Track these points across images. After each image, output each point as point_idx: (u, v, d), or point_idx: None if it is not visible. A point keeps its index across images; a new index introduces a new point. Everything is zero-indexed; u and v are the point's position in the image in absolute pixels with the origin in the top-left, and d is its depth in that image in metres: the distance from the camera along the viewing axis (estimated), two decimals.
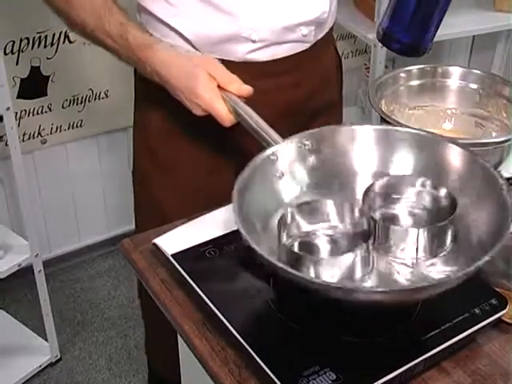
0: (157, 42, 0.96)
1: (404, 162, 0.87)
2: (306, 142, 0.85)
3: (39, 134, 1.87)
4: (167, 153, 1.08)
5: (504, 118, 1.07)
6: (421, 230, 0.76)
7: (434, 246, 0.76)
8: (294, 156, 0.85)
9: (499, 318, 0.76)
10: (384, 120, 1.01)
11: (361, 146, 0.87)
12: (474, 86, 1.10)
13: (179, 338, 0.87)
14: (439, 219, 0.78)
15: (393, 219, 0.82)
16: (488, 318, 0.75)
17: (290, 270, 0.67)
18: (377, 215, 0.80)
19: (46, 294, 1.69)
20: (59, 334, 1.83)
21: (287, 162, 0.84)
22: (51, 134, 1.88)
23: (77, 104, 1.88)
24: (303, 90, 1.08)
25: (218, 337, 0.76)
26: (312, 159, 0.86)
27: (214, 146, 1.06)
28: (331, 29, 1.12)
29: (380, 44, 0.99)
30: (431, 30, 0.94)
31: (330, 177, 0.85)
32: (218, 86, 0.91)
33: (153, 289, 0.83)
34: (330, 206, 0.80)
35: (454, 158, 0.83)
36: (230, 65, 0.95)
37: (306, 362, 0.69)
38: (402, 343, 0.71)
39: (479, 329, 0.75)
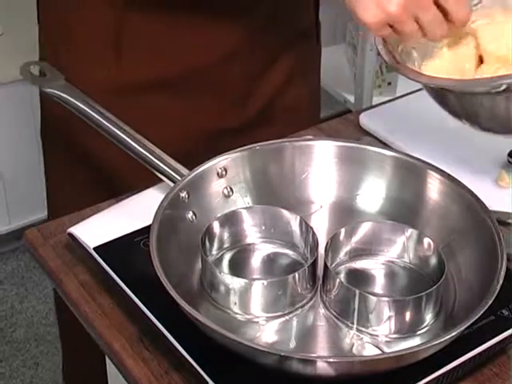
0: None
1: (372, 189, 0.89)
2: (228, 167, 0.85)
3: None
4: None
5: None
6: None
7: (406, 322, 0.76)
8: (210, 189, 0.85)
9: None
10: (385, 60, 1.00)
11: (316, 169, 0.89)
12: None
13: (107, 361, 0.87)
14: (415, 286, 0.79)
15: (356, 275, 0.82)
16: None
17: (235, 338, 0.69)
18: (338, 270, 0.81)
19: None
20: None
21: (203, 200, 0.85)
22: None
23: None
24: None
25: (160, 357, 0.77)
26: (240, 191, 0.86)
27: None
28: None
29: None
30: None
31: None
32: None
33: (69, 295, 0.84)
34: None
35: (435, 190, 0.85)
36: None
37: None
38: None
39: (509, 337, 0.77)
